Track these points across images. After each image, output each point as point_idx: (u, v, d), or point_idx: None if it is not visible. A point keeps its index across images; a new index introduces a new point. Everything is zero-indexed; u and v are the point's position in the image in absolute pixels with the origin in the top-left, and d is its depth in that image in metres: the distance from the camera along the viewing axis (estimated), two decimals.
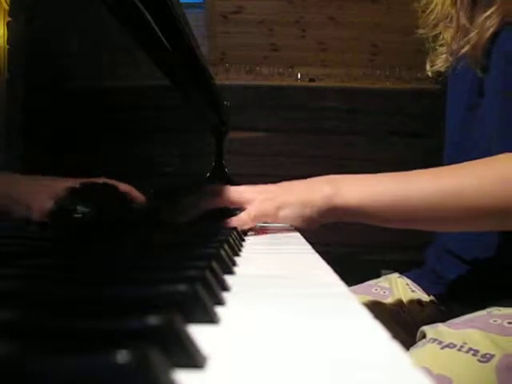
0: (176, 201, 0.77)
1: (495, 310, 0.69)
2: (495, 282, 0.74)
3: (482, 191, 0.60)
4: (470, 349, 0.62)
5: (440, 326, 0.68)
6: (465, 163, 0.64)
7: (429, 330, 0.69)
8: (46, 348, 0.17)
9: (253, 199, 0.71)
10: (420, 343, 0.69)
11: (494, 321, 0.66)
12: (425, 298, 0.84)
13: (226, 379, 0.18)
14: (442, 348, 0.64)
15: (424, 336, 0.71)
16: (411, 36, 0.88)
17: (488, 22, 0.70)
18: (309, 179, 0.71)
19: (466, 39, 0.74)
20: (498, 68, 0.70)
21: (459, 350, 0.63)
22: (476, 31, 0.72)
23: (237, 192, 0.73)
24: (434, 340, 0.66)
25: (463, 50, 0.74)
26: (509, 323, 0.65)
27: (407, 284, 0.88)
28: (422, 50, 0.88)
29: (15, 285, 0.29)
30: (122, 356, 0.15)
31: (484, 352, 0.62)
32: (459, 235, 0.77)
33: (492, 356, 0.61)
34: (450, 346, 0.64)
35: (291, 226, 0.77)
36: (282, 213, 0.69)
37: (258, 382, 0.18)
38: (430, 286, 0.85)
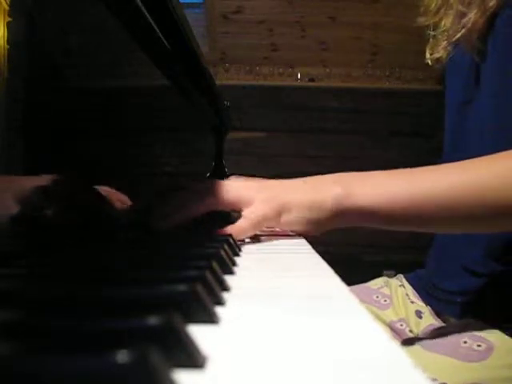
0: (154, 204, 0.64)
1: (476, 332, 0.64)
2: (498, 294, 0.68)
3: (506, 185, 0.53)
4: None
5: (416, 349, 0.64)
6: (480, 158, 0.56)
7: (407, 351, 0.65)
8: (46, 348, 0.17)
9: (252, 199, 0.61)
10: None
11: (464, 342, 0.62)
12: (423, 308, 0.80)
13: (226, 379, 0.18)
14: None
15: None
16: (411, 36, 0.86)
17: (486, 2, 0.66)
18: (313, 177, 0.63)
19: (462, 22, 0.70)
20: (497, 51, 0.67)
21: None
22: (474, 12, 0.68)
23: (233, 189, 0.62)
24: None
25: (459, 35, 0.71)
26: (478, 346, 0.61)
27: (407, 294, 0.83)
28: (422, 50, 0.87)
29: (15, 285, 0.29)
30: (122, 356, 0.15)
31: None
32: (460, 240, 0.73)
33: None
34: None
35: (292, 231, 0.66)
36: (285, 217, 0.60)
37: (257, 382, 0.18)
38: (427, 296, 0.80)
